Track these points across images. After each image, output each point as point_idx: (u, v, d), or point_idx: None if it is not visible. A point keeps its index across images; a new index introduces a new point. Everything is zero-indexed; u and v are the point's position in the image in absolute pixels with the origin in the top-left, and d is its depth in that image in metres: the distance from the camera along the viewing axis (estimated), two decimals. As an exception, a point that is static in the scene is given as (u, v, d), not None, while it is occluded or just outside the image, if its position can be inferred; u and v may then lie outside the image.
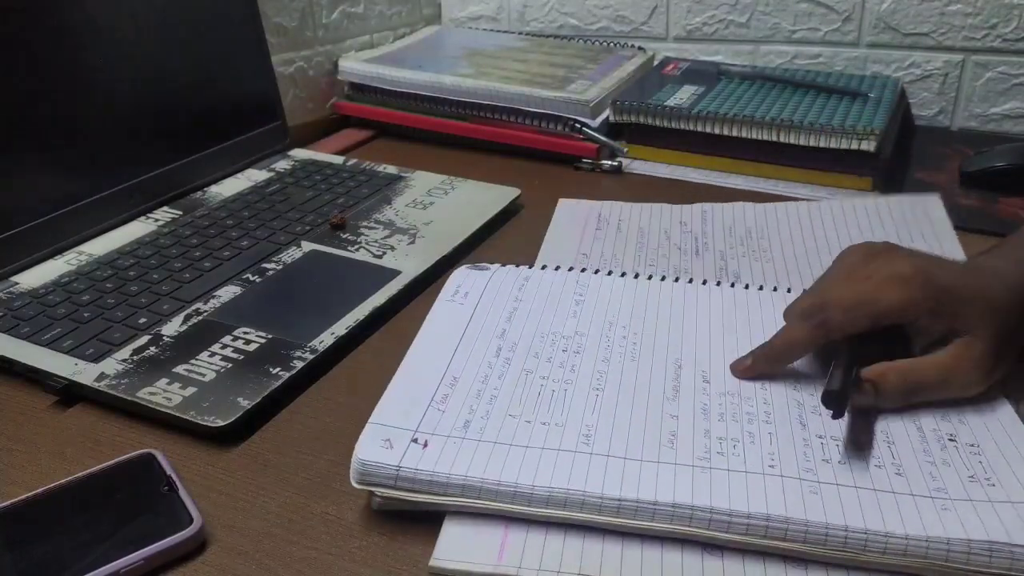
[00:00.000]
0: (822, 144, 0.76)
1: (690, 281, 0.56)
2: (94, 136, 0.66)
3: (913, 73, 0.95)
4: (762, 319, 0.52)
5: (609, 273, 0.57)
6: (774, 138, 0.79)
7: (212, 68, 0.77)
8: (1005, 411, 0.44)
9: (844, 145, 0.76)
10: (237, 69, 0.80)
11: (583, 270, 0.58)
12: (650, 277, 0.57)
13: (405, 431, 0.41)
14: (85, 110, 0.65)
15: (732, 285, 0.56)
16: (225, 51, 0.78)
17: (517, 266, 0.58)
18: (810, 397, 0.45)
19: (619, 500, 0.38)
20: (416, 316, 0.54)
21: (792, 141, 0.78)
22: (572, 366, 0.47)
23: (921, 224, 0.67)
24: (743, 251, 0.65)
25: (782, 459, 0.40)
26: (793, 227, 0.68)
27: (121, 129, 0.68)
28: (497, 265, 0.58)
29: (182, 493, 0.40)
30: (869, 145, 0.75)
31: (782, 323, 0.48)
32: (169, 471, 0.42)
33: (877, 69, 0.96)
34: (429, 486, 0.39)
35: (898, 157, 0.83)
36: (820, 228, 0.68)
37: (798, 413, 0.44)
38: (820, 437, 0.42)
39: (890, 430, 0.43)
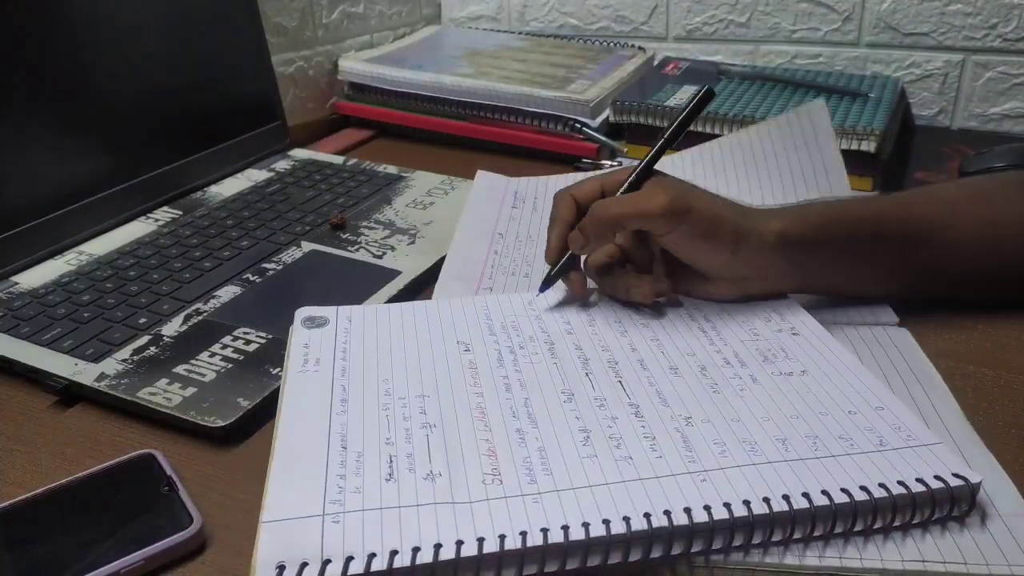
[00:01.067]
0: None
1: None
2: (94, 136, 0.66)
3: (913, 73, 0.95)
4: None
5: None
6: (774, 138, 0.79)
7: (212, 68, 0.77)
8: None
9: (844, 145, 0.75)
10: (237, 69, 0.80)
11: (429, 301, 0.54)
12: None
13: (312, 517, 0.35)
14: (85, 110, 0.65)
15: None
16: (225, 51, 0.78)
17: (354, 305, 0.53)
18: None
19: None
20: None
21: (792, 141, 0.78)
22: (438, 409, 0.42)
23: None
24: None
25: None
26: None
27: (121, 129, 0.68)
28: (333, 311, 0.51)
29: (182, 493, 0.40)
30: (869, 145, 0.75)
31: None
32: (169, 471, 0.42)
33: (877, 69, 0.96)
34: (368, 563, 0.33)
35: (898, 157, 0.83)
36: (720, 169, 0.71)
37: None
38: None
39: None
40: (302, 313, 0.50)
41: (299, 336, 0.49)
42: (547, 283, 0.53)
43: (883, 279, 0.53)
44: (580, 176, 0.71)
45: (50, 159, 0.63)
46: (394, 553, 0.33)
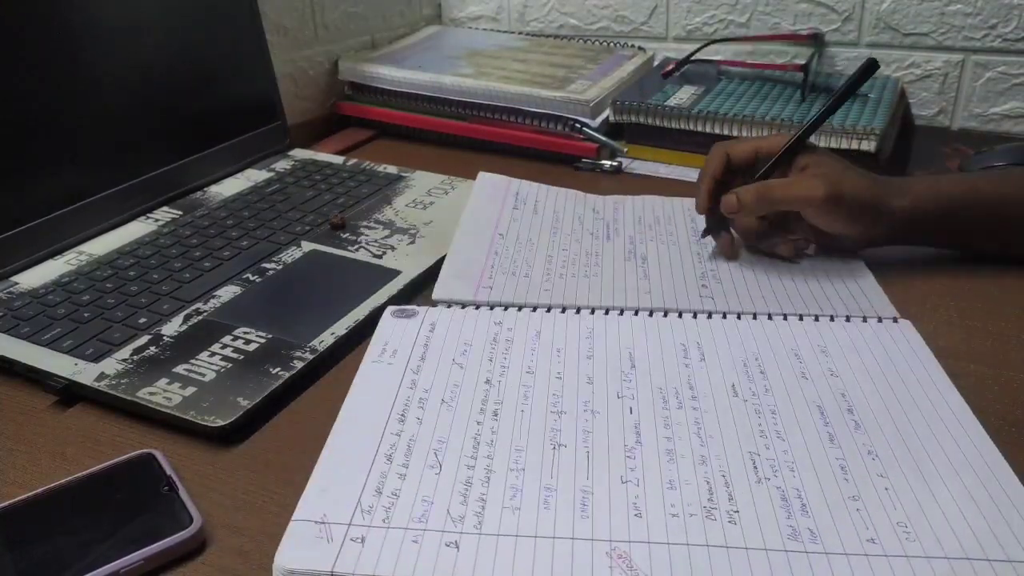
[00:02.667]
0: (822, 144, 0.76)
1: (636, 314, 0.54)
2: (94, 136, 0.66)
3: (913, 73, 0.95)
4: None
5: (539, 309, 0.54)
6: (774, 138, 0.79)
7: (212, 68, 0.77)
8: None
9: (844, 145, 0.76)
10: (237, 69, 0.80)
11: (535, 308, 0.54)
12: (585, 311, 0.54)
13: (339, 525, 0.36)
14: (85, 110, 0.65)
15: (680, 315, 0.54)
16: (225, 51, 0.78)
17: (448, 306, 0.55)
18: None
19: None
20: (416, 316, 0.54)
21: (792, 141, 0.78)
22: (523, 428, 0.43)
23: None
24: (651, 235, 0.66)
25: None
26: (697, 217, 0.66)
27: (121, 129, 0.68)
28: (425, 309, 0.54)
29: (182, 493, 0.40)
30: (869, 145, 0.75)
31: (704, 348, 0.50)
32: (169, 471, 0.42)
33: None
34: None
35: (898, 157, 0.83)
36: None
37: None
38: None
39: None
40: (394, 307, 0.54)
41: (384, 326, 0.52)
42: (705, 233, 0.63)
43: (999, 244, 0.61)
44: (580, 177, 0.72)
45: (50, 159, 0.63)
46: None
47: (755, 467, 0.40)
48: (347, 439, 0.42)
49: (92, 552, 0.37)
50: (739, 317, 0.53)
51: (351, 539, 0.35)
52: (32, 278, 0.59)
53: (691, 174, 0.81)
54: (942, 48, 0.93)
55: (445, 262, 0.60)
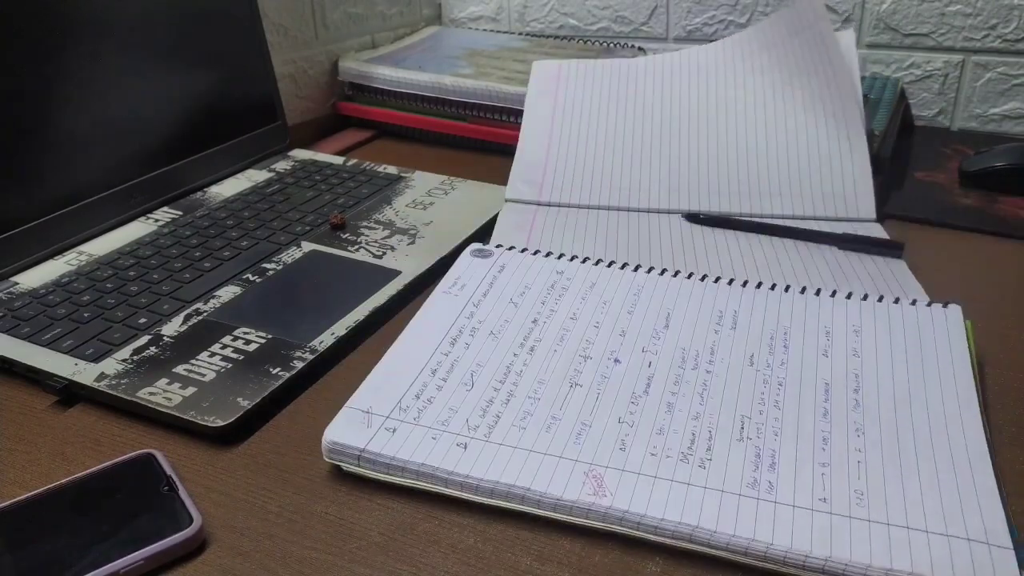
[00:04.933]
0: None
1: (688, 276, 0.57)
2: (94, 136, 0.66)
3: (913, 73, 0.95)
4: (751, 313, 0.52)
5: (611, 265, 0.58)
6: (774, 138, 0.79)
7: (212, 68, 0.77)
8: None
9: (844, 145, 0.76)
10: (237, 69, 0.80)
11: (597, 262, 0.58)
12: (656, 271, 0.57)
13: (378, 417, 0.44)
14: (85, 110, 0.65)
15: (730, 282, 0.56)
16: (225, 51, 0.78)
17: (524, 251, 0.60)
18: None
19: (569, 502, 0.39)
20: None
21: (792, 141, 0.78)
22: (550, 366, 0.48)
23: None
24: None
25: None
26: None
27: (121, 129, 0.68)
28: (502, 249, 0.60)
29: (182, 493, 0.40)
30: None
31: (764, 317, 0.52)
32: (169, 471, 0.42)
33: (877, 69, 0.96)
34: (388, 469, 0.41)
35: (898, 157, 0.83)
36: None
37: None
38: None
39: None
40: (475, 245, 0.60)
41: (461, 262, 0.58)
42: None
43: None
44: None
45: (50, 159, 0.63)
46: (421, 466, 0.41)
47: (742, 427, 0.43)
48: (404, 351, 0.49)
49: (92, 552, 0.37)
50: (787, 290, 0.54)
51: (385, 429, 0.43)
52: (32, 278, 0.59)
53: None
54: (942, 49, 0.93)
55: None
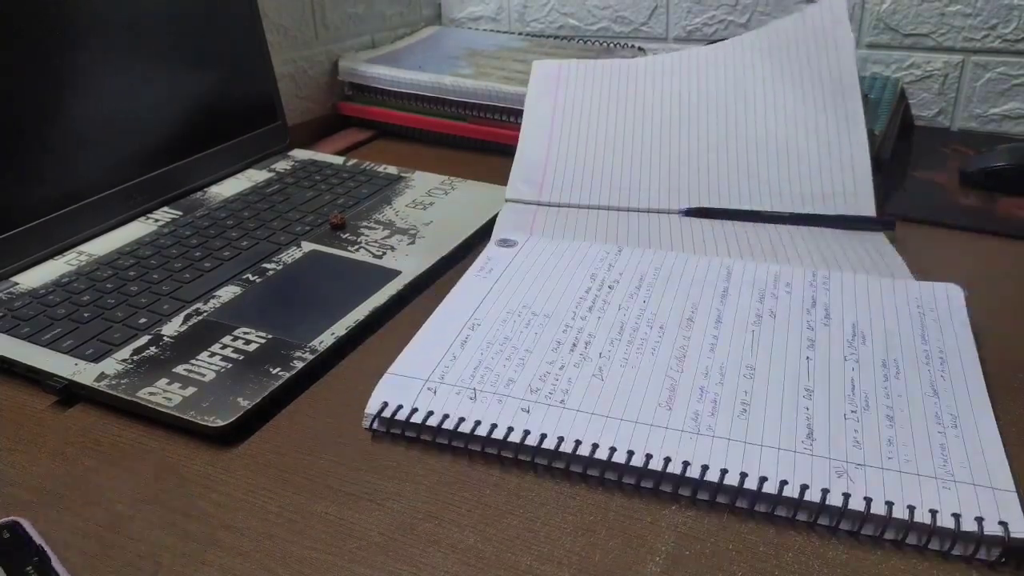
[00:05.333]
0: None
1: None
2: (94, 136, 0.66)
3: (913, 74, 0.95)
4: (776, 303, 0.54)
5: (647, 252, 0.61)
6: (774, 138, 0.79)
7: (212, 68, 0.77)
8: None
9: (844, 145, 0.76)
10: (237, 69, 0.80)
11: (619, 249, 0.61)
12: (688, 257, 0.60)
13: (417, 380, 0.47)
14: (85, 110, 0.65)
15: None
16: (225, 51, 0.78)
17: (550, 238, 0.63)
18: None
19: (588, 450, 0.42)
20: (417, 317, 0.54)
21: (792, 141, 0.78)
22: (587, 338, 0.51)
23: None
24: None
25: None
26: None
27: (121, 129, 0.68)
28: (526, 238, 0.63)
29: (55, 563, 0.35)
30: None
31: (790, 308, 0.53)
32: (39, 541, 0.37)
33: (877, 69, 0.96)
34: (433, 431, 0.44)
35: (898, 157, 0.83)
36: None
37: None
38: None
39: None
40: (498, 235, 0.65)
41: (489, 250, 0.62)
42: None
43: None
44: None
45: (50, 159, 0.63)
46: (461, 420, 0.44)
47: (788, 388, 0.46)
48: (438, 323, 0.53)
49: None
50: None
51: (427, 389, 0.46)
52: (32, 278, 0.59)
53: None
54: (942, 49, 0.93)
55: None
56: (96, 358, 0.50)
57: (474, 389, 0.46)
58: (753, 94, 0.76)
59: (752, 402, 0.45)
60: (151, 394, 0.47)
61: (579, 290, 0.56)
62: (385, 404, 0.45)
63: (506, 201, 0.73)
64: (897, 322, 0.51)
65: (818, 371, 0.47)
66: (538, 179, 0.74)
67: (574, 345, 0.50)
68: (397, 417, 0.45)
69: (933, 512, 0.37)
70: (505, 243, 0.62)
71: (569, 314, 0.53)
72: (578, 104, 0.78)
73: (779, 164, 0.71)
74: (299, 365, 0.49)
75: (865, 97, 0.83)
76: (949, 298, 0.54)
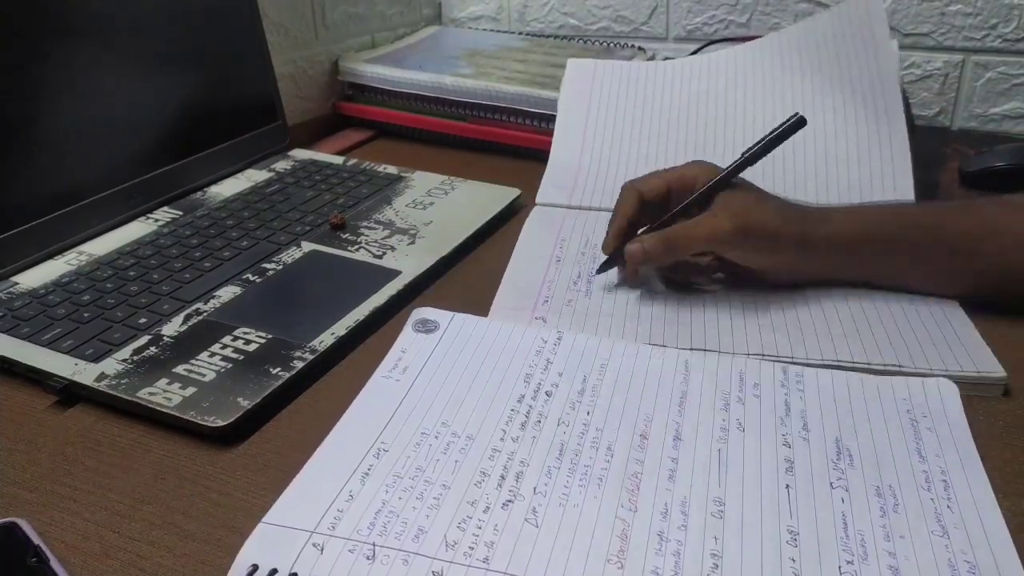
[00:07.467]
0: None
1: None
2: (94, 136, 0.66)
3: (913, 73, 0.95)
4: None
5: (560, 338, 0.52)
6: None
7: (212, 68, 0.77)
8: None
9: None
10: (237, 69, 0.80)
11: (559, 337, 0.52)
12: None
13: (302, 532, 0.37)
14: (85, 110, 0.65)
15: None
16: (225, 51, 0.78)
17: (479, 316, 0.54)
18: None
19: None
20: (416, 316, 0.54)
21: (792, 141, 0.78)
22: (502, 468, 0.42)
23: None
24: None
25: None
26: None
27: (121, 129, 0.68)
28: (452, 316, 0.54)
29: (54, 564, 0.35)
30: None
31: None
32: (36, 540, 0.37)
33: (877, 69, 0.96)
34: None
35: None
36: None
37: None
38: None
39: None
40: (417, 315, 0.54)
41: (403, 339, 0.52)
42: (603, 268, 0.59)
43: (935, 280, 0.56)
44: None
45: (50, 159, 0.63)
46: None
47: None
48: (334, 450, 0.43)
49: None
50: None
51: (312, 545, 0.37)
52: (32, 278, 0.59)
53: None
54: (942, 48, 0.93)
55: (499, 292, 0.58)
56: (96, 358, 0.50)
57: (373, 545, 0.36)
58: (791, 91, 0.76)
59: (724, 553, 0.36)
60: (151, 394, 0.47)
61: (510, 399, 0.46)
62: (255, 568, 0.35)
63: (536, 205, 0.73)
64: (887, 434, 0.43)
65: (802, 504, 0.39)
66: (569, 183, 0.74)
67: (503, 477, 0.40)
68: None
69: None
70: (424, 326, 0.53)
71: (497, 433, 0.43)
72: (612, 105, 0.78)
73: (816, 163, 0.71)
74: (299, 365, 0.49)
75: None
76: (943, 397, 0.46)
